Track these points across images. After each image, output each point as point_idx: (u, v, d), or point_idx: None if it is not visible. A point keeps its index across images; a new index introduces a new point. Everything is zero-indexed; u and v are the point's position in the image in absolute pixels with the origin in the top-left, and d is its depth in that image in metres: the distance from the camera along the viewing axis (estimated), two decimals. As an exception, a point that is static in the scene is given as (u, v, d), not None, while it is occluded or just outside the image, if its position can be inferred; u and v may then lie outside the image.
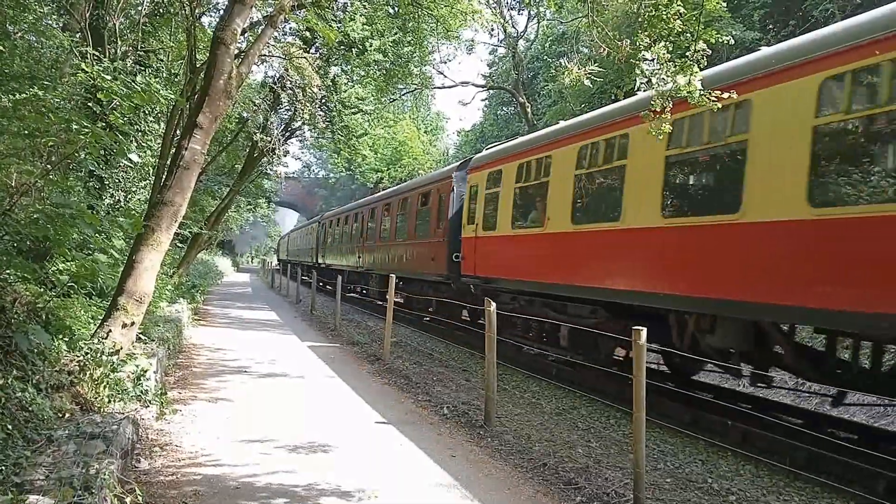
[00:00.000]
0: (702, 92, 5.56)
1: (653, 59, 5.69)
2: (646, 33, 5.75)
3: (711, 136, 7.25)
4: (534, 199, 10.92)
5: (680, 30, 5.60)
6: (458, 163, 16.03)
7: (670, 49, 5.69)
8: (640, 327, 4.98)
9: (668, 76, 5.64)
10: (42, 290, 6.94)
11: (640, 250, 8.21)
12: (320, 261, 30.35)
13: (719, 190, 7.40)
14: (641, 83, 5.91)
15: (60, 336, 6.21)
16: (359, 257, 22.77)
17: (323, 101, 18.65)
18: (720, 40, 6.20)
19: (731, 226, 6.80)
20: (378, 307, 20.35)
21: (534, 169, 10.94)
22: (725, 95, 5.34)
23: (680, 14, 5.65)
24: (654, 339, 7.27)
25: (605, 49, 7.11)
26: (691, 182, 8.06)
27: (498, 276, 11.92)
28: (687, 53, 5.61)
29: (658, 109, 5.65)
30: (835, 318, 5.87)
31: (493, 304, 7.26)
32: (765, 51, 7.29)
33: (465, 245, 13.26)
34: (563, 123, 10.97)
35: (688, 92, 5.59)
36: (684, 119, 7.28)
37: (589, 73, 7.39)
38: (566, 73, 7.25)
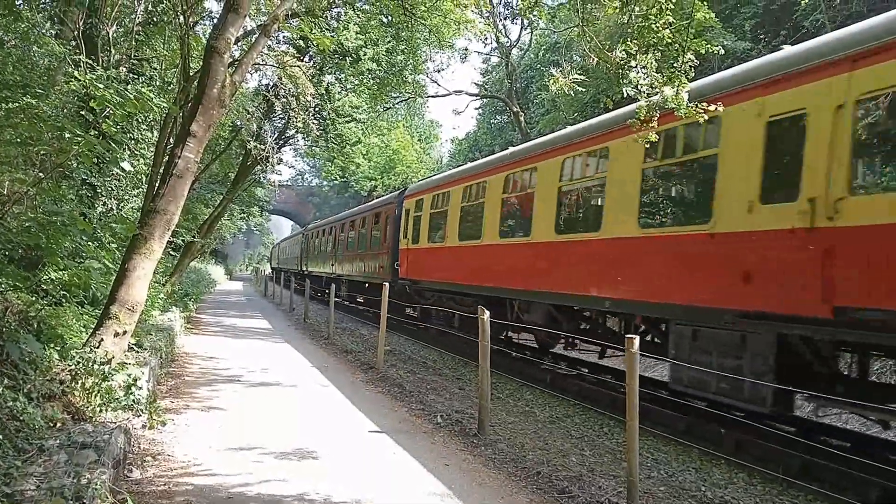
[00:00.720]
0: (688, 105, 5.67)
1: (642, 69, 5.76)
2: (635, 42, 5.82)
3: (583, 173, 9.86)
4: (440, 222, 14.89)
5: (669, 40, 5.66)
6: (400, 191, 19.69)
7: (659, 59, 5.76)
8: (632, 336, 4.99)
9: (656, 86, 5.72)
10: (34, 298, 6.90)
11: (493, 260, 12.09)
12: (304, 269, 33.66)
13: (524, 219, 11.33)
14: (630, 93, 5.99)
15: (52, 345, 6.18)
16: (332, 266, 26.69)
17: (317, 109, 18.68)
18: (710, 50, 6.26)
19: (591, 241, 9.32)
20: (372, 315, 21.11)
21: (440, 200, 14.94)
22: (712, 108, 5.64)
23: (669, 24, 5.72)
24: (499, 316, 10.89)
25: (595, 59, 7.17)
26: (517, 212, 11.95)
27: (421, 278, 15.66)
28: (675, 64, 5.68)
29: (644, 118, 5.86)
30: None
31: (487, 313, 7.26)
32: (614, 113, 9.05)
33: (401, 255, 17.01)
34: (456, 170, 16.34)
35: (676, 103, 5.67)
36: (570, 158, 10.00)
37: (574, 82, 7.47)
38: (552, 81, 7.33)
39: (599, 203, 9.32)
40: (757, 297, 6.50)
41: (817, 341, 6.32)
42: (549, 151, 10.64)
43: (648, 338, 8.90)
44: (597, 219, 9.20)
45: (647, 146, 6.98)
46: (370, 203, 24.91)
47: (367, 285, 21.03)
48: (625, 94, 6.08)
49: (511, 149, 13.03)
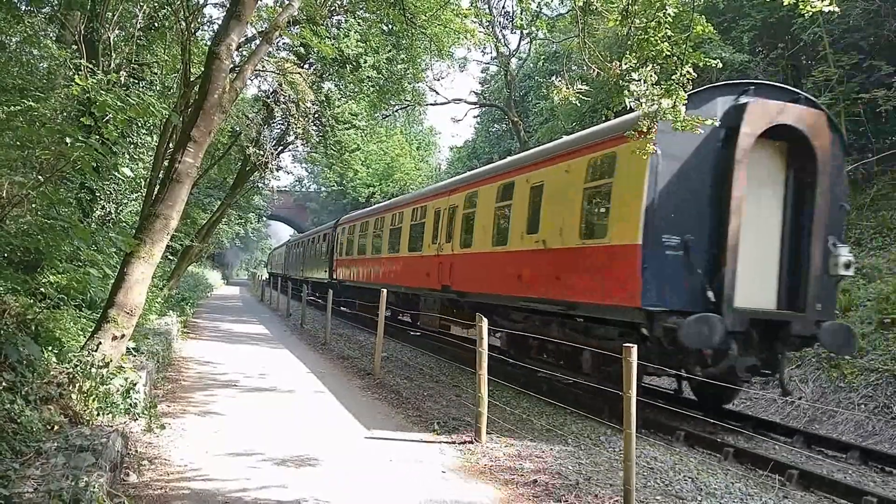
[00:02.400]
0: (686, 117, 5.79)
1: (641, 80, 5.84)
2: (635, 55, 5.90)
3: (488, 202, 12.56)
4: (358, 241, 22.37)
5: (668, 52, 5.73)
6: (338, 219, 28.11)
7: (658, 72, 5.86)
8: (630, 345, 5.01)
9: (655, 98, 5.81)
10: (32, 301, 6.90)
11: (389, 268, 18.14)
12: (287, 273, 40.49)
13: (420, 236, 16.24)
14: (631, 104, 6.08)
15: (50, 348, 6.18)
16: (301, 271, 34.53)
17: (316, 115, 18.72)
18: (708, 63, 6.33)
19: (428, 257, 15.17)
20: (369, 321, 21.00)
21: (358, 227, 22.56)
22: (709, 122, 6.34)
23: (668, 37, 5.79)
24: (399, 306, 18.18)
25: (594, 70, 7.23)
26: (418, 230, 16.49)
27: (345, 279, 23.51)
28: (673, 77, 5.75)
29: (644, 130, 6.11)
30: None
31: (485, 321, 7.27)
32: (486, 167, 14.85)
33: (336, 264, 25.41)
34: (371, 208, 23.88)
35: (673, 115, 5.76)
36: (474, 192, 13.16)
37: (578, 93, 7.52)
38: (555, 91, 7.37)
39: (435, 229, 14.95)
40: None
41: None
42: (417, 201, 17.00)
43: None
44: (456, 237, 13.78)
45: (498, 191, 11.99)
46: (320, 227, 34.47)
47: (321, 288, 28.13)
48: (627, 106, 6.17)
49: (397, 198, 21.74)
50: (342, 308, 21.69)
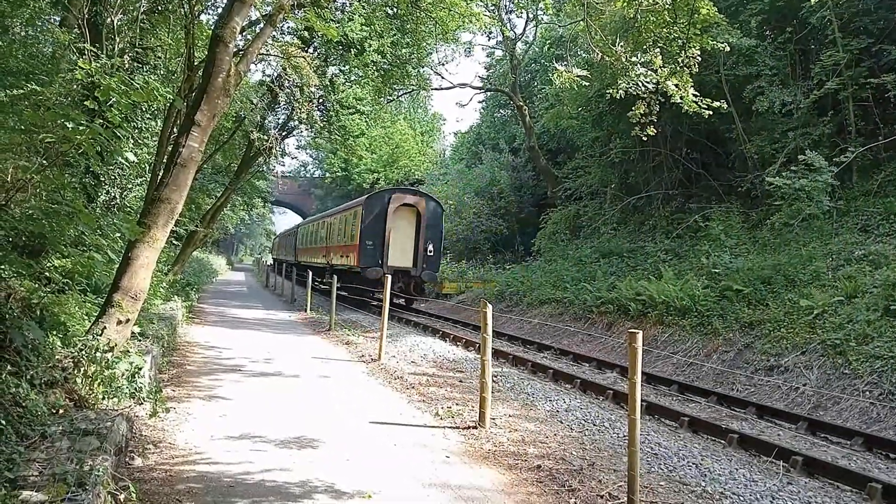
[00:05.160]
0: (693, 98, 5.74)
1: (647, 64, 5.80)
2: (641, 36, 5.85)
3: (338, 226, 25.73)
4: (309, 236, 33.79)
5: (675, 35, 5.67)
6: (297, 224, 42.75)
7: (664, 53, 5.82)
8: (635, 331, 5.00)
9: (660, 80, 5.77)
10: (37, 286, 6.90)
11: (320, 252, 28.96)
12: (279, 257, 48.17)
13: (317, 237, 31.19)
14: (632, 90, 6.05)
15: (55, 332, 6.19)
16: (293, 256, 40.43)
17: (320, 100, 18.64)
18: (716, 47, 6.28)
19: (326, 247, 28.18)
20: (374, 307, 21.72)
21: (310, 227, 33.76)
22: (716, 104, 6.60)
23: (675, 20, 5.73)
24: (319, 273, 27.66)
25: (599, 53, 7.18)
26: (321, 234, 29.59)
27: (299, 259, 35.14)
28: (679, 58, 5.71)
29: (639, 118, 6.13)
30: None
31: (489, 307, 7.27)
32: (333, 209, 31.19)
33: (297, 251, 36.81)
34: (310, 218, 41.32)
35: (680, 96, 5.70)
36: (331, 217, 27.81)
37: (579, 77, 7.47)
38: (557, 75, 7.33)
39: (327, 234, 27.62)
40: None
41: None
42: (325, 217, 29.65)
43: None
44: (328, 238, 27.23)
45: (332, 221, 27.34)
46: (293, 226, 45.98)
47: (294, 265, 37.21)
48: (621, 94, 6.15)
49: (317, 214, 38.01)
50: (301, 275, 28.90)
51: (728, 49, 10.79)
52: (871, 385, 9.11)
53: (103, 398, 5.54)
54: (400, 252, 20.99)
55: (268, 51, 11.85)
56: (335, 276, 16.85)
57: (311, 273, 21.64)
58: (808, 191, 14.53)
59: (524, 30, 33.27)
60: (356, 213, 22.05)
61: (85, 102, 9.42)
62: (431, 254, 21.22)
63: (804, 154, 15.09)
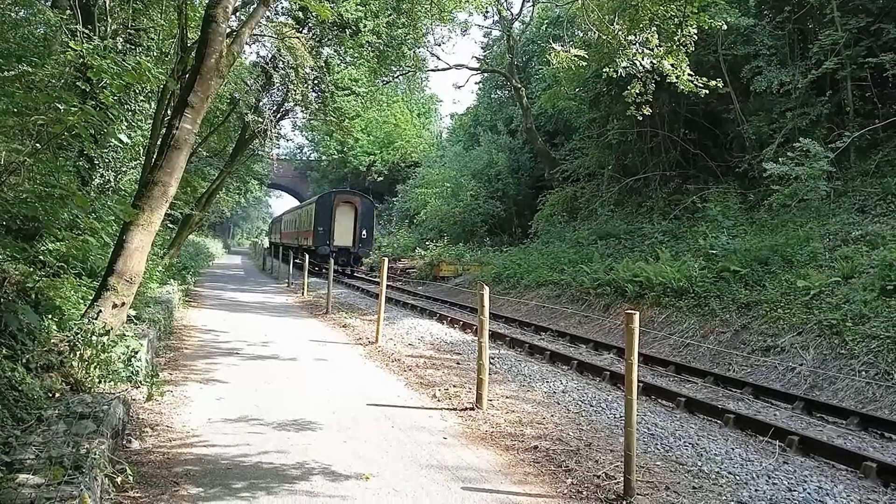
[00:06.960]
0: (689, 78, 5.71)
1: (643, 44, 5.76)
2: (637, 16, 5.80)
3: (303, 216, 35.58)
4: (285, 225, 44.06)
5: (672, 14, 5.62)
6: (275, 217, 61.32)
7: (659, 33, 5.79)
8: (632, 311, 4.99)
9: (656, 59, 5.73)
10: (31, 269, 6.87)
11: (302, 236, 35.00)
12: (274, 241, 52.17)
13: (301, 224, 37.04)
14: (627, 65, 6.01)
15: (50, 316, 6.17)
16: (276, 238, 48.34)
17: (316, 81, 18.50)
18: (713, 25, 6.23)
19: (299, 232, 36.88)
20: (370, 292, 21.31)
21: (288, 217, 43.95)
22: (713, 83, 6.70)
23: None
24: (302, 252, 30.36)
25: (596, 32, 7.12)
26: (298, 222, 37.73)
27: (279, 242, 44.89)
28: (675, 37, 5.67)
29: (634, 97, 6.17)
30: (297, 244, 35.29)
31: (487, 289, 7.26)
32: (300, 204, 44.62)
33: (281, 235, 44.36)
34: (287, 209, 50.24)
35: (675, 75, 5.65)
36: (300, 209, 38.72)
37: (576, 58, 7.41)
38: (554, 55, 7.28)
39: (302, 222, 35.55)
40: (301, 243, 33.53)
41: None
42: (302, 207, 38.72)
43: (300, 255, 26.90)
44: (298, 225, 36.73)
45: (301, 212, 37.87)
46: (277, 215, 55.74)
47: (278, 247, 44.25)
48: (620, 72, 6.11)
49: (298, 203, 48.45)
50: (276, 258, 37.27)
51: (726, 28, 10.69)
52: (867, 365, 9.14)
53: (100, 382, 5.53)
54: (342, 235, 30.33)
55: (262, 31, 11.74)
56: (306, 255, 22.01)
57: (290, 252, 27.44)
58: (804, 178, 14.49)
59: (521, 9, 33.02)
60: (313, 208, 31.38)
61: (77, 83, 9.33)
62: (365, 236, 31.02)
63: (801, 138, 15.01)
